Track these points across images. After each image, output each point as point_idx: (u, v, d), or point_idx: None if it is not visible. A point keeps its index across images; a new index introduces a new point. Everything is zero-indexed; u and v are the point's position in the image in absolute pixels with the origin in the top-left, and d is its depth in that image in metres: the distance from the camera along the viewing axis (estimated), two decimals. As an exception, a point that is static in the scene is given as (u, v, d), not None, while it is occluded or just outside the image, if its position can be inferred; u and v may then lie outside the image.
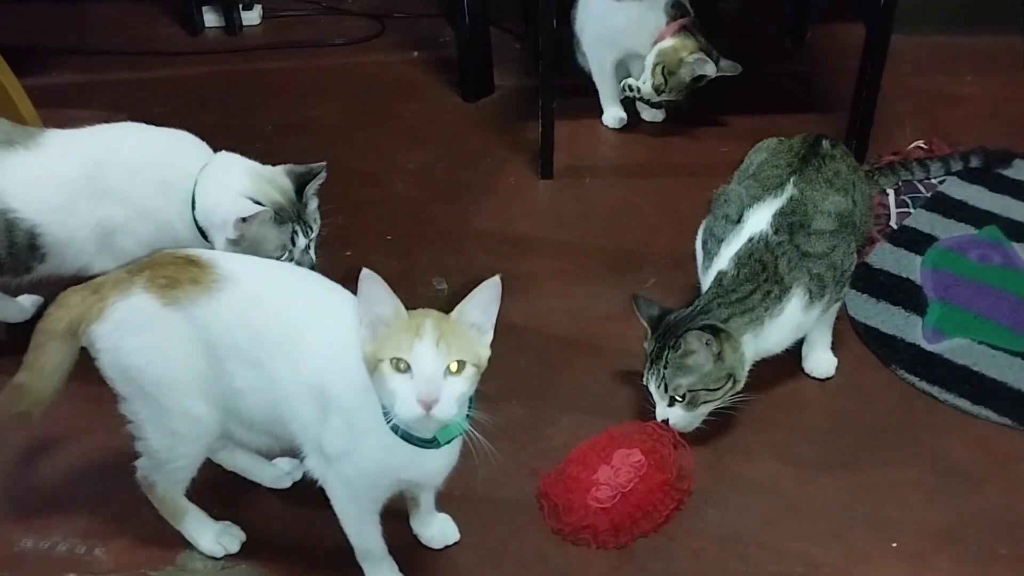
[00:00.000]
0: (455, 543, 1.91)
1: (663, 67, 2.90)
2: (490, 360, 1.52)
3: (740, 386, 2.05)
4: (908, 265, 2.53)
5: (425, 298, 2.43)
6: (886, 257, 2.55)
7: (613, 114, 3.11)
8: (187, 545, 1.89)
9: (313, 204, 2.18)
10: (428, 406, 1.44)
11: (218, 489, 1.95)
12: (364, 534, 1.75)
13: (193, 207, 2.08)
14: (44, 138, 2.11)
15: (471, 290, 1.50)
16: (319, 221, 2.19)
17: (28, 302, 2.36)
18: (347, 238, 2.55)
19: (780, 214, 2.10)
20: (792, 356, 2.22)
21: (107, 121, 2.20)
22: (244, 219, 2.01)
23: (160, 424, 1.73)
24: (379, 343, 1.47)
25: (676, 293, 2.36)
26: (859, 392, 2.23)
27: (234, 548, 1.89)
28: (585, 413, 2.17)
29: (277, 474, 2.01)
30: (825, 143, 2.24)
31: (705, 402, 2.03)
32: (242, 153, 2.19)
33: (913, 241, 2.60)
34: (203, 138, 2.20)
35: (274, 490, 2.01)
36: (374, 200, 2.82)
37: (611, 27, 2.99)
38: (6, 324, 2.34)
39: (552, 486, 1.99)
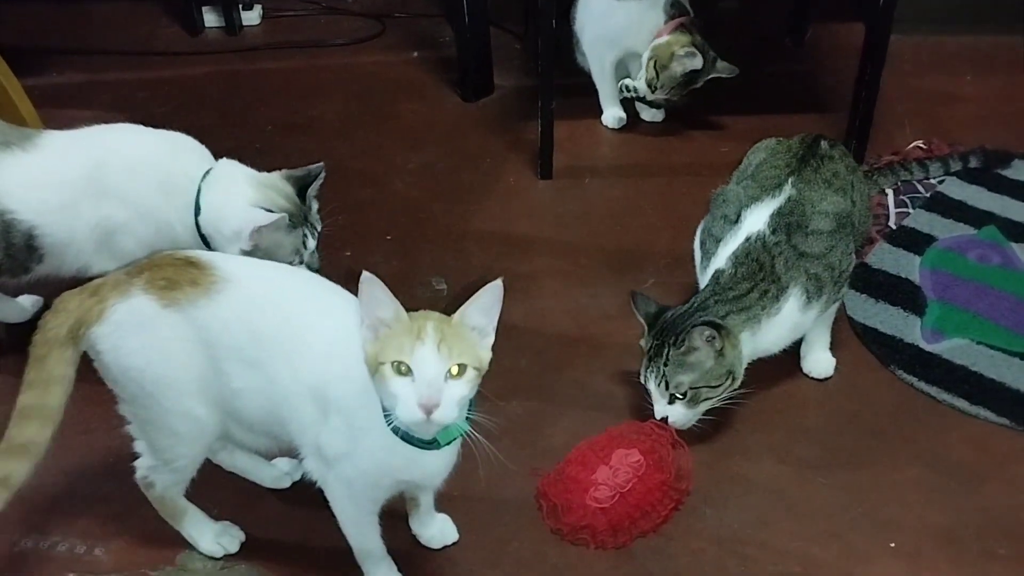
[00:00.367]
0: (454, 543, 1.91)
1: (655, 61, 2.90)
2: (491, 361, 1.52)
3: (738, 383, 2.05)
4: (907, 265, 2.53)
5: (425, 298, 2.44)
6: (885, 257, 2.55)
7: (613, 114, 3.11)
8: (187, 545, 1.90)
9: (315, 206, 2.18)
10: (429, 410, 1.44)
11: (218, 489, 1.95)
12: (363, 534, 1.75)
13: (197, 213, 2.08)
14: (41, 139, 2.10)
15: (471, 290, 1.50)
16: (320, 222, 2.19)
17: (28, 302, 2.36)
18: (347, 238, 2.55)
19: (778, 214, 2.10)
20: (791, 356, 2.23)
21: (107, 121, 2.20)
22: (260, 228, 2.02)
23: (160, 424, 1.73)
24: (380, 345, 1.47)
25: (676, 293, 2.36)
26: (858, 392, 2.23)
27: (233, 548, 1.90)
28: (585, 413, 2.18)
29: (276, 474, 2.01)
30: (824, 144, 2.24)
31: (705, 399, 2.04)
32: (242, 153, 2.19)
33: (912, 241, 2.60)
34: (203, 138, 2.20)
35: (274, 490, 2.01)
36: (374, 200, 2.82)
37: (611, 27, 3.00)
38: (6, 324, 2.34)
39: (551, 486, 1.99)
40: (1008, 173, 2.82)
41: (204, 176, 2.10)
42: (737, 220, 2.14)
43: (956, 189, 2.77)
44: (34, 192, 2.05)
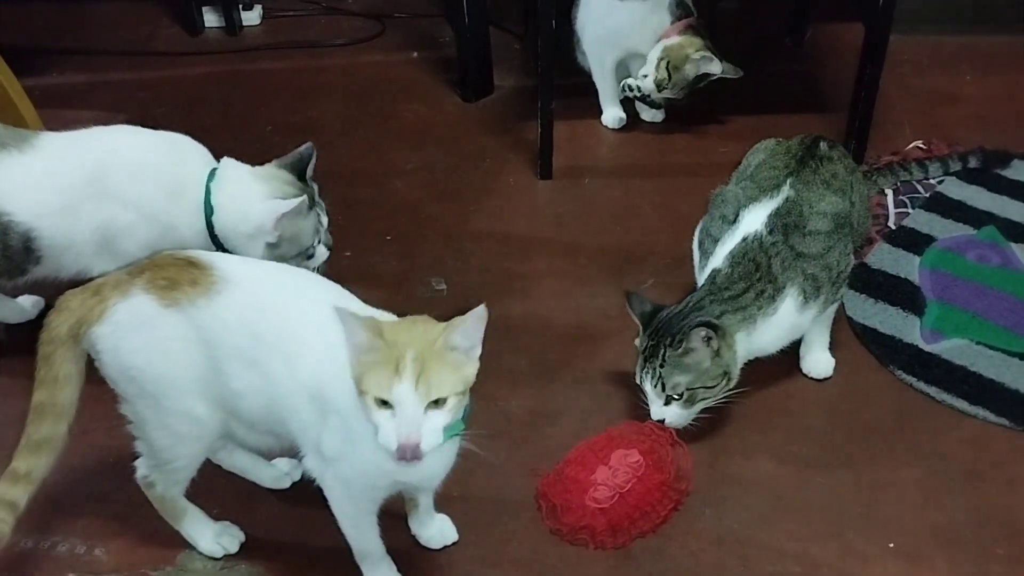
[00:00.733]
0: (453, 543, 1.92)
1: (668, 62, 2.89)
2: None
3: (734, 383, 2.05)
4: (906, 265, 2.53)
5: (425, 298, 2.44)
6: (884, 257, 2.55)
7: (613, 114, 3.11)
8: (187, 545, 1.90)
9: (315, 186, 2.21)
10: (409, 449, 1.45)
11: (218, 489, 1.96)
12: (362, 534, 1.75)
13: (208, 214, 2.09)
14: (38, 140, 2.09)
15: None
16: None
17: (28, 303, 2.36)
18: (347, 238, 2.55)
19: (775, 215, 2.11)
20: (790, 356, 2.23)
21: (107, 122, 2.19)
22: (282, 216, 2.04)
23: (160, 424, 1.73)
24: (361, 371, 1.47)
25: (676, 293, 2.35)
26: (857, 392, 2.23)
27: (233, 548, 1.90)
28: (584, 413, 2.18)
29: (276, 474, 2.01)
30: (823, 145, 2.24)
31: (701, 399, 2.04)
32: (242, 153, 2.19)
33: (911, 241, 2.60)
34: (203, 138, 2.20)
35: (274, 490, 2.01)
36: (374, 200, 2.82)
37: (612, 26, 2.99)
38: (5, 324, 2.34)
39: (550, 486, 1.99)
40: (1007, 173, 2.82)
41: (209, 177, 2.11)
42: (735, 220, 2.14)
43: (955, 189, 2.77)
44: (32, 194, 2.05)
